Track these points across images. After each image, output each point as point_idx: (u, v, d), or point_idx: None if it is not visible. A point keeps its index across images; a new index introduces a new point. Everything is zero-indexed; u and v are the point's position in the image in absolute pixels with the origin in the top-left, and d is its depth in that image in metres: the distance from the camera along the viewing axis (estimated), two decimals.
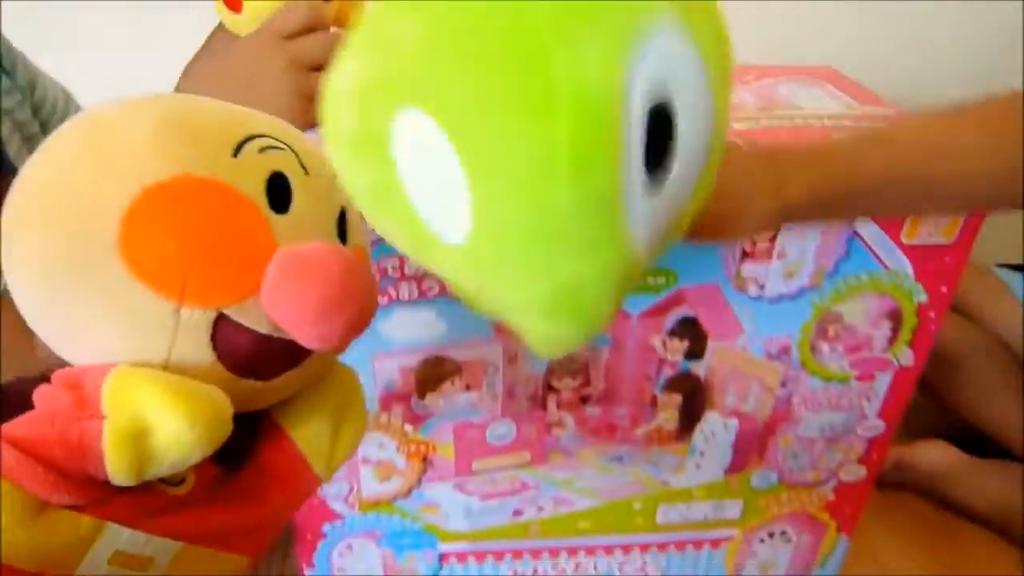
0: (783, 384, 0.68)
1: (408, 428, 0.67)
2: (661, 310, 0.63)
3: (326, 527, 0.73)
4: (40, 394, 0.31)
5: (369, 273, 0.36)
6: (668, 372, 0.67)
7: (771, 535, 0.80)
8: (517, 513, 0.74)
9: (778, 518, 0.78)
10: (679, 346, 0.65)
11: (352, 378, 0.43)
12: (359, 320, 0.34)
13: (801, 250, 0.61)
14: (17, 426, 0.30)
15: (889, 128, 0.50)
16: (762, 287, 0.62)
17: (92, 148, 0.32)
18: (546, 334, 0.30)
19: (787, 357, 0.67)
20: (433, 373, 0.64)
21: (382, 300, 0.60)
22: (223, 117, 0.35)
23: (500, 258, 0.28)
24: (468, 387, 0.65)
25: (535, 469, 0.71)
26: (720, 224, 0.43)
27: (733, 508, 0.77)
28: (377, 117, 0.28)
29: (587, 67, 0.25)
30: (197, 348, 0.33)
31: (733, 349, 0.66)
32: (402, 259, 0.58)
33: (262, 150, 0.34)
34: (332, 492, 0.71)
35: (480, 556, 0.77)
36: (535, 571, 0.79)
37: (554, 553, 0.78)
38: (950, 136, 0.46)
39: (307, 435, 0.40)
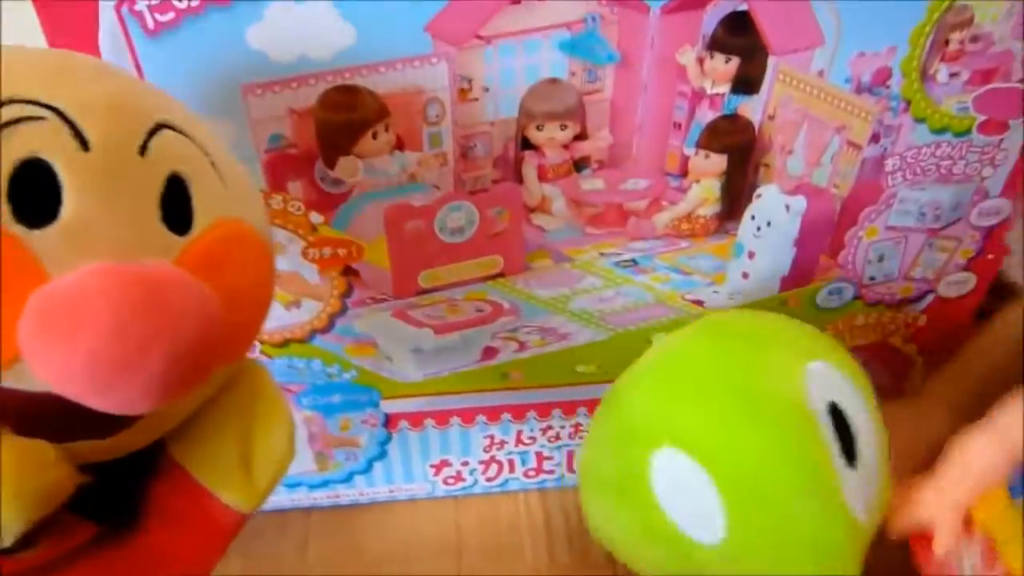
0: (875, 137, 0.46)
1: (315, 217, 0.44)
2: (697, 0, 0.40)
3: None
4: None
5: (199, 292, 0.27)
6: (706, 114, 0.44)
7: None
8: (489, 353, 0.53)
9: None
10: (723, 68, 0.43)
11: (258, 375, 0.36)
12: (178, 369, 0.26)
13: None
14: None
15: None
16: None
17: None
18: None
19: (885, 89, 0.44)
20: (343, 119, 0.41)
21: None
22: None
23: (753, 553, 0.37)
24: (400, 144, 0.43)
25: (511, 283, 0.50)
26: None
27: None
28: (636, 459, 0.38)
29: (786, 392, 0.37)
30: None
31: (806, 74, 0.43)
32: None
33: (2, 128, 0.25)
34: None
35: (441, 418, 0.57)
36: (519, 437, 0.59)
37: (544, 411, 0.58)
38: None
39: (207, 465, 0.34)
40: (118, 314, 0.25)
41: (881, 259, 0.52)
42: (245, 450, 0.34)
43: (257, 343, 0.50)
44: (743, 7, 0.40)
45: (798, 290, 0.52)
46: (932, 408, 0.49)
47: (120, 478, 0.33)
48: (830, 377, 0.38)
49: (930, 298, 0.55)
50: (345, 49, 0.39)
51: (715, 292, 0.51)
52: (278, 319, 0.49)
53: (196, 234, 0.29)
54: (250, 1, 0.37)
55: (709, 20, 0.41)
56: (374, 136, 0.42)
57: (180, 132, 0.30)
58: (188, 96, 0.39)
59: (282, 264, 0.46)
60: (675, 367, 0.40)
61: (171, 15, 0.37)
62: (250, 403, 0.35)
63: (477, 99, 0.42)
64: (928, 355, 0.59)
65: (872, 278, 0.53)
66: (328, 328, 0.50)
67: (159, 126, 0.29)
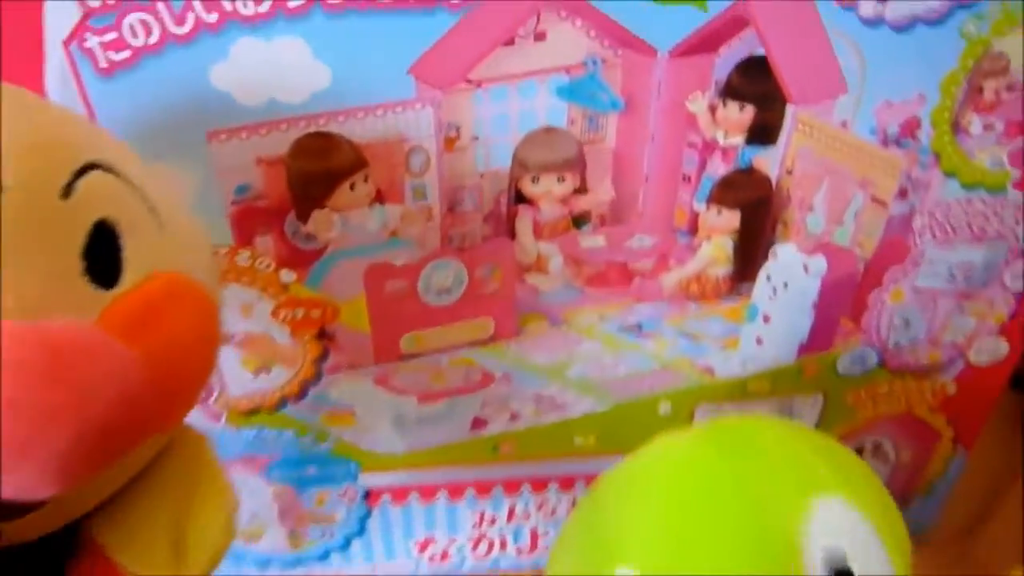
0: (902, 193, 0.42)
1: (286, 275, 0.40)
2: (709, 43, 0.37)
3: None
4: None
5: (117, 357, 0.23)
6: (718, 166, 0.41)
7: (860, 451, 0.55)
8: (478, 424, 0.49)
9: (873, 424, 0.53)
10: (738, 116, 0.39)
11: (196, 447, 0.33)
12: (85, 449, 0.23)
13: None
14: None
15: None
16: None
17: None
18: None
19: (913, 141, 0.41)
20: (317, 168, 0.38)
21: (208, 17, 0.33)
22: None
23: None
24: (380, 196, 0.39)
25: (503, 348, 0.46)
26: None
27: (808, 409, 0.51)
28: (598, 572, 0.33)
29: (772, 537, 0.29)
30: None
31: (827, 125, 0.40)
32: None
33: None
34: None
35: (427, 492, 0.52)
36: (511, 512, 0.54)
37: (539, 486, 0.53)
38: None
39: (134, 550, 0.30)
40: (14, 385, 0.21)
41: (907, 323, 0.48)
42: (178, 534, 0.31)
43: (223, 410, 0.46)
44: (760, 51, 0.37)
45: (817, 356, 0.48)
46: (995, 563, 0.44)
47: (31, 562, 0.29)
48: (843, 519, 0.30)
49: (960, 365, 0.51)
50: (319, 92, 0.36)
51: (727, 359, 0.47)
52: (244, 385, 0.44)
53: (125, 288, 0.25)
54: (214, 39, 0.34)
55: (722, 65, 0.38)
56: (351, 188, 0.38)
57: (113, 173, 0.27)
58: (147, 142, 0.35)
59: (250, 326, 0.42)
60: (659, 477, 0.33)
61: (126, 53, 0.34)
62: (184, 480, 0.31)
63: (466, 148, 0.39)
64: (957, 426, 0.54)
65: (897, 344, 0.49)
66: (301, 396, 0.45)
67: (88, 166, 0.26)
